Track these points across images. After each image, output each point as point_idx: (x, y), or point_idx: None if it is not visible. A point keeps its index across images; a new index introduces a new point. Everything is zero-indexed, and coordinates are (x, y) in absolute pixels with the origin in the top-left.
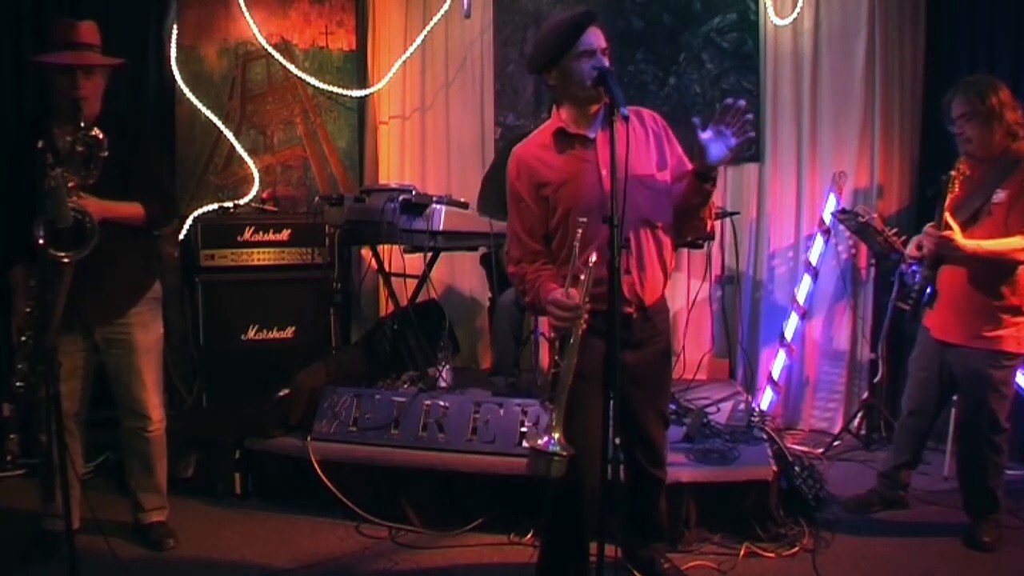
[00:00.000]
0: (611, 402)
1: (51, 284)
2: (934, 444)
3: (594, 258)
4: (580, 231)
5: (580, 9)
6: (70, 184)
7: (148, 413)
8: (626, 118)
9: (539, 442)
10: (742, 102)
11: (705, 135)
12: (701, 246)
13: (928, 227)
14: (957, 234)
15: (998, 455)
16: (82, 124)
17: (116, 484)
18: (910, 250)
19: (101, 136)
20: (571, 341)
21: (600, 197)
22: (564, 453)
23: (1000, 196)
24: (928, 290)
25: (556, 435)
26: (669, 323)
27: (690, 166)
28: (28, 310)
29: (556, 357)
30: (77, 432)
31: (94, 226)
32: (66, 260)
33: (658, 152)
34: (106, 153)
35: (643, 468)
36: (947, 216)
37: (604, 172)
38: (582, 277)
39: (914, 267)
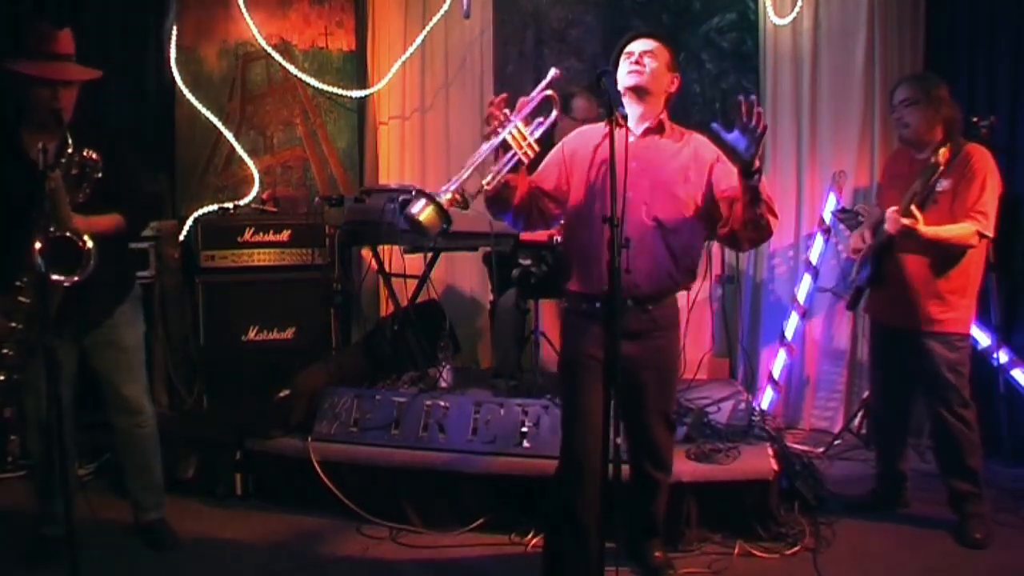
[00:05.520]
0: (611, 403)
1: (47, 296)
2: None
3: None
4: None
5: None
6: None
7: (141, 408)
8: (624, 117)
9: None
10: (752, 96)
11: (730, 136)
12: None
13: (891, 211)
14: (921, 223)
15: (971, 430)
16: (70, 143)
17: (116, 485)
18: (854, 242)
19: (96, 156)
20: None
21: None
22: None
23: (944, 185)
24: (867, 274)
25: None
26: (676, 326)
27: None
28: (12, 324)
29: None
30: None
31: (90, 248)
32: (62, 282)
33: (690, 170)
34: (100, 174)
35: (646, 470)
36: (913, 207)
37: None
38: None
39: (864, 272)
